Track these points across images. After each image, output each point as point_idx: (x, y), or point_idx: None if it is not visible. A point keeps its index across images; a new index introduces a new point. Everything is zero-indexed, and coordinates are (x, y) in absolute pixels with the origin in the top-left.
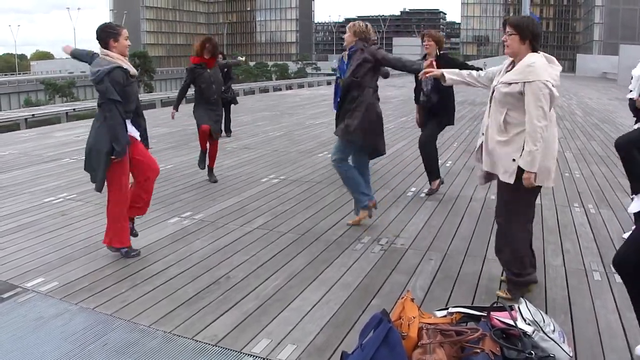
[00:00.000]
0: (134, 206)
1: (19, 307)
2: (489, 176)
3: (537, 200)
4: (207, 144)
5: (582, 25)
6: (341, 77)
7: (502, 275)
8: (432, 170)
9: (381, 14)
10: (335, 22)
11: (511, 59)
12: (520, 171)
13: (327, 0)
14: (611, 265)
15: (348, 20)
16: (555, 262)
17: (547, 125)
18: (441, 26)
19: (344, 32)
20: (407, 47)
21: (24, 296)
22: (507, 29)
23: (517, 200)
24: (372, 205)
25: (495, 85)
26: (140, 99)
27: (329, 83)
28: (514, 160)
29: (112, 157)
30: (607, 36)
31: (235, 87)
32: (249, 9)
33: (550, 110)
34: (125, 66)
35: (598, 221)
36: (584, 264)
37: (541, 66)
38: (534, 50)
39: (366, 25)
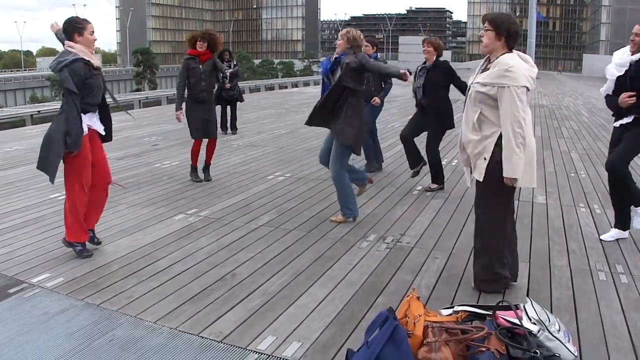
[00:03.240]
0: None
1: (25, 303)
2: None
3: (543, 200)
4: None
5: (588, 25)
6: (325, 76)
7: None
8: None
9: (387, 13)
10: (342, 20)
11: (487, 56)
12: (490, 170)
13: None
14: (617, 265)
15: (354, 19)
16: (561, 262)
17: (526, 130)
18: (447, 25)
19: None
20: (413, 46)
21: (30, 291)
22: (485, 24)
23: (491, 195)
24: (369, 181)
25: (472, 83)
26: (147, 96)
27: None
28: (485, 159)
29: (67, 150)
30: (614, 36)
31: (241, 84)
32: (255, 6)
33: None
34: (87, 58)
35: (604, 221)
36: (589, 264)
37: (519, 70)
38: (509, 48)
39: (360, 35)
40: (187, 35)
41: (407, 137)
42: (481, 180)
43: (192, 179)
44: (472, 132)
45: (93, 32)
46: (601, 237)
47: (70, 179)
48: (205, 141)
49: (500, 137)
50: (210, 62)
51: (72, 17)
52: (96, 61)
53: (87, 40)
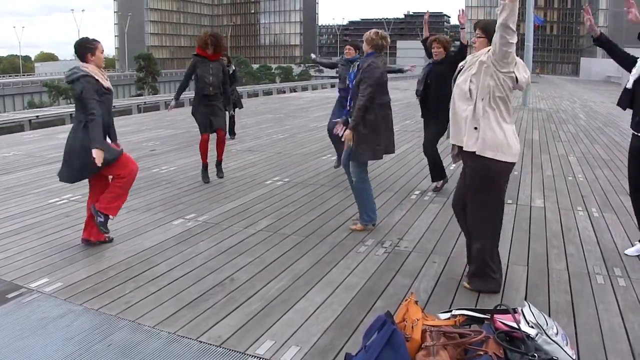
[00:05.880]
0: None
1: (23, 308)
2: (460, 153)
3: (541, 204)
4: (208, 152)
5: (586, 29)
6: (350, 85)
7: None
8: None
9: (385, 17)
10: (339, 25)
11: None
12: (479, 167)
13: (331, 3)
14: (614, 269)
15: (352, 23)
16: (559, 265)
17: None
18: (445, 29)
19: (348, 35)
20: (411, 50)
21: (28, 296)
22: (477, 31)
23: (483, 193)
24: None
25: (458, 83)
26: (145, 101)
27: (332, 86)
28: (475, 128)
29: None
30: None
31: (239, 89)
32: (253, 11)
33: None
34: (98, 78)
35: (601, 225)
36: (587, 268)
37: None
38: None
39: (376, 33)
40: (201, 35)
41: (427, 148)
42: (475, 150)
43: (202, 179)
44: (465, 102)
45: (103, 51)
46: (625, 251)
47: (120, 171)
48: (213, 140)
49: (493, 120)
50: (220, 62)
51: (83, 38)
52: (108, 83)
53: (98, 59)
